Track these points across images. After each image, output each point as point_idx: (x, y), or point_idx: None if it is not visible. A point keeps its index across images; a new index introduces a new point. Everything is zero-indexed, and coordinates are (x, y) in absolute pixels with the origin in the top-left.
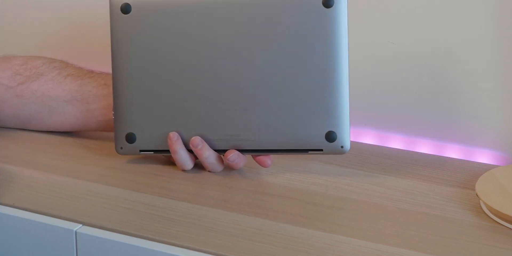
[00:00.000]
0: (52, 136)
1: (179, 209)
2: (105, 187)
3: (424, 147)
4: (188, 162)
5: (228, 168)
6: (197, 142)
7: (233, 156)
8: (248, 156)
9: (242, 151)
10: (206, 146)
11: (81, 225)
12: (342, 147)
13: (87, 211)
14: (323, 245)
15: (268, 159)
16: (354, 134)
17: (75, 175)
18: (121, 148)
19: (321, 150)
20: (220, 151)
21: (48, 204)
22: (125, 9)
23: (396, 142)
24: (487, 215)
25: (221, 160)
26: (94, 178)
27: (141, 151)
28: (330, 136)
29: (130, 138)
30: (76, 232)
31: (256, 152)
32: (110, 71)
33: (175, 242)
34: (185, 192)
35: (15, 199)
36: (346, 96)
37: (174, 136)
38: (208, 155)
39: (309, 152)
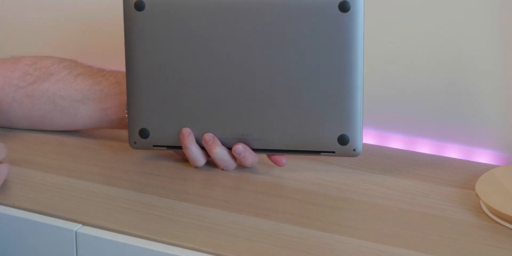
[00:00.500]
0: (52, 136)
1: (179, 209)
2: (105, 187)
3: (424, 147)
4: (199, 158)
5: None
6: (208, 138)
7: (238, 148)
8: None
9: (254, 150)
10: (217, 142)
11: (81, 225)
12: (354, 150)
13: (87, 211)
14: (323, 245)
15: (283, 158)
16: None
17: (75, 175)
18: (135, 142)
19: (333, 152)
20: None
21: (48, 204)
22: (139, 6)
23: (396, 142)
24: (487, 215)
25: (234, 158)
26: (94, 178)
27: (154, 146)
28: (343, 139)
29: (144, 133)
30: (76, 232)
31: (268, 151)
32: (119, 69)
33: (175, 242)
34: (185, 192)
35: (15, 199)
36: (359, 100)
37: (186, 132)
38: (218, 151)
39: (321, 153)
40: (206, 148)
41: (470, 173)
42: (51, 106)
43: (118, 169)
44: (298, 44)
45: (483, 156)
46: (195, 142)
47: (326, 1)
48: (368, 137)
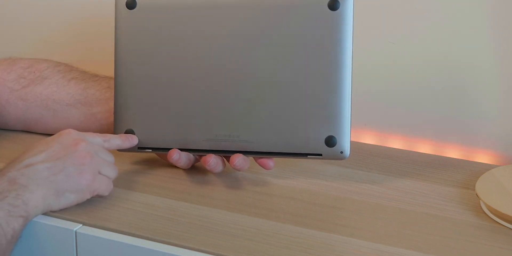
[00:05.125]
0: None
1: (179, 209)
2: None
3: (424, 147)
4: (187, 165)
5: (228, 168)
6: (214, 162)
7: (238, 161)
8: (250, 158)
9: (240, 152)
10: (220, 163)
11: (81, 225)
12: (341, 152)
13: (87, 211)
14: (323, 245)
15: (270, 161)
16: (354, 134)
17: None
18: None
19: (320, 154)
20: (219, 152)
21: None
22: (131, 4)
23: (396, 142)
24: (487, 215)
25: (224, 163)
26: None
27: (139, 148)
28: (330, 141)
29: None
30: (76, 232)
31: (254, 154)
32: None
33: (175, 242)
34: (185, 192)
35: None
36: (347, 101)
37: (175, 156)
38: (218, 170)
39: (308, 156)
40: (207, 168)
41: (470, 173)
42: (45, 110)
43: (118, 169)
44: (286, 43)
45: (483, 156)
46: (183, 156)
47: None
48: (368, 137)
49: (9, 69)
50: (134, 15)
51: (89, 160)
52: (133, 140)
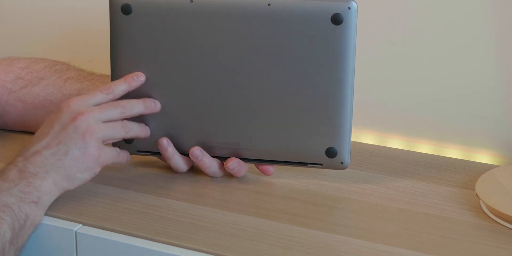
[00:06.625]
0: None
1: (179, 209)
2: (105, 187)
3: (424, 147)
4: (182, 166)
5: None
6: (196, 153)
7: (232, 164)
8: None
9: (243, 159)
10: (206, 156)
11: (81, 225)
12: (342, 163)
13: (87, 211)
14: (323, 245)
15: (271, 167)
16: (354, 134)
17: None
18: (119, 147)
19: (321, 164)
20: (219, 158)
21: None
22: (126, 9)
23: (396, 142)
24: (487, 215)
25: (222, 167)
26: (94, 178)
27: (138, 151)
28: (331, 152)
29: (129, 138)
30: (76, 232)
31: (254, 161)
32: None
33: (175, 242)
34: (185, 192)
35: None
36: (349, 113)
37: (163, 143)
38: (209, 165)
39: (308, 165)
40: (195, 163)
41: (470, 173)
42: (43, 111)
43: (118, 169)
44: (289, 55)
45: (483, 156)
46: (176, 151)
47: (319, 13)
48: (368, 137)
49: (7, 70)
50: (129, 20)
51: (90, 136)
52: (139, 78)
